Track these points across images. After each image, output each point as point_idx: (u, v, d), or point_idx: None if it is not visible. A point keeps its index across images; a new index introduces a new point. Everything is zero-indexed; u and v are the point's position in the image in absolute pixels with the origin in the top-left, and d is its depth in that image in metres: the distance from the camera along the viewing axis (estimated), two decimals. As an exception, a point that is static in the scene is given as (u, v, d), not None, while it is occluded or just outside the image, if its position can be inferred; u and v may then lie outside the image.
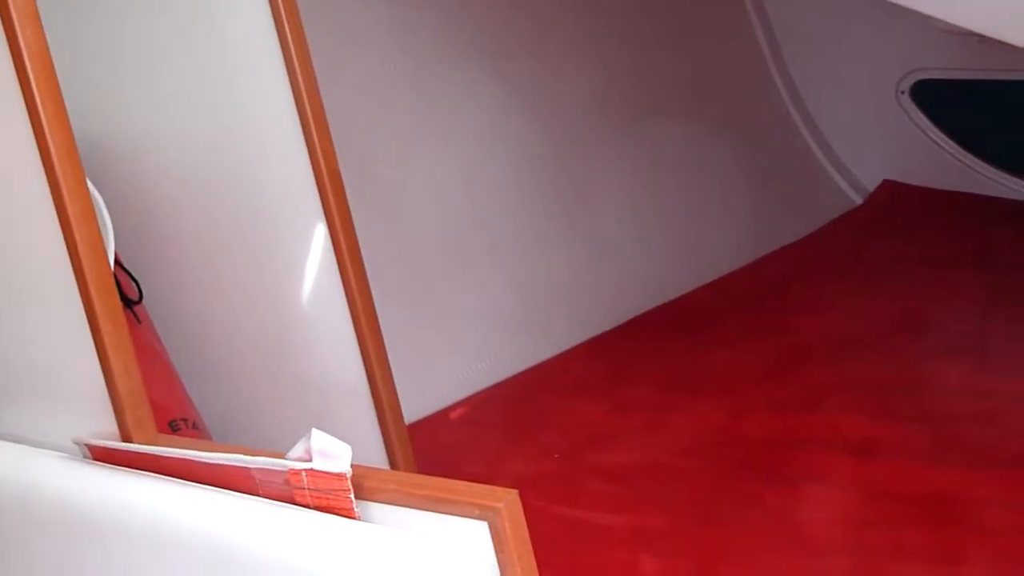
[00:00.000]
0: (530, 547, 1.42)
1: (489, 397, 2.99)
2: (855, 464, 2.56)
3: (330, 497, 1.41)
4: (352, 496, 1.40)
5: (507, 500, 1.40)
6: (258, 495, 1.47)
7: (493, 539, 1.40)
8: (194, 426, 2.13)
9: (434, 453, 2.62)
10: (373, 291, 2.22)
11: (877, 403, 2.85)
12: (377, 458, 2.20)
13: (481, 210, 3.28)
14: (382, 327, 2.23)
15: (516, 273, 3.28)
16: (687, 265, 3.75)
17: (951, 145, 4.61)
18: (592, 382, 3.05)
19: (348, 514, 1.41)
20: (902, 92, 4.61)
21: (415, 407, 2.86)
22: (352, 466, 1.39)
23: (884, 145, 4.69)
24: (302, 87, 2.11)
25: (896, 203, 4.53)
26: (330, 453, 1.38)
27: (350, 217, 2.17)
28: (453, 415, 2.90)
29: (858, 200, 4.62)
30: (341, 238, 2.15)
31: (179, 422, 2.09)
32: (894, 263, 3.94)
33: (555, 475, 2.60)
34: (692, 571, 2.20)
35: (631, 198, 3.73)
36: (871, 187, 4.66)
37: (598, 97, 3.74)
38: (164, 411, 2.05)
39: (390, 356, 2.24)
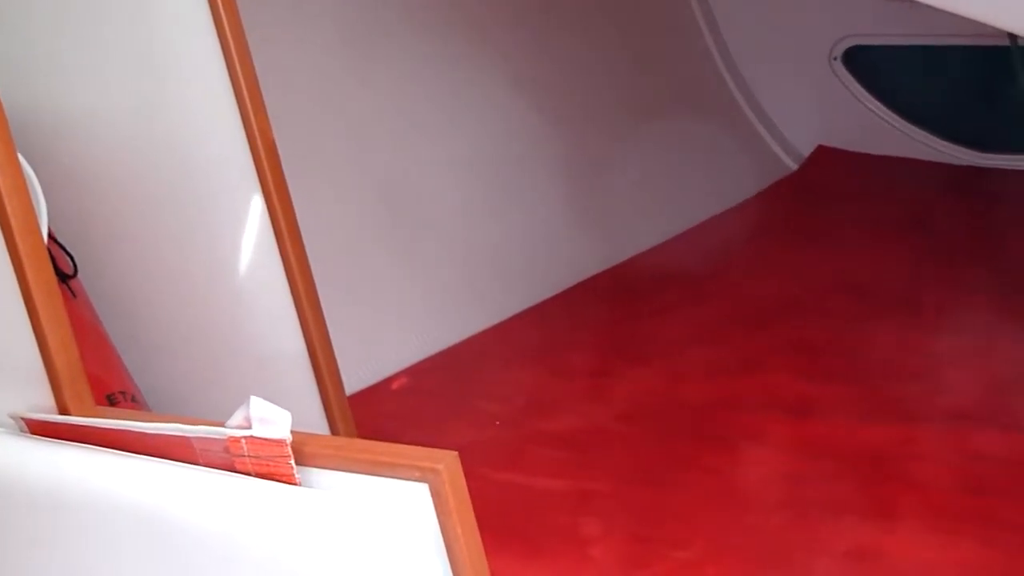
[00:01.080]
0: (471, 508, 1.44)
1: (430, 367, 3.00)
2: (791, 424, 2.60)
3: (270, 464, 1.42)
4: (292, 462, 1.41)
5: (447, 461, 1.41)
6: (198, 464, 1.47)
7: (434, 501, 1.42)
8: (133, 400, 2.13)
9: (376, 423, 2.63)
10: (312, 264, 2.22)
11: (813, 364, 2.90)
12: (319, 427, 2.21)
13: (417, 181, 3.28)
14: (321, 299, 2.24)
15: (454, 243, 3.29)
16: (625, 233, 3.78)
17: (884, 111, 4.67)
18: (532, 350, 3.07)
19: (289, 480, 1.42)
20: (835, 58, 4.65)
21: (356, 378, 2.87)
22: (292, 432, 1.39)
23: (818, 111, 4.74)
24: (236, 61, 2.10)
25: (831, 168, 4.58)
26: (269, 419, 1.38)
27: (287, 190, 2.17)
28: (394, 385, 2.91)
29: (793, 166, 4.66)
30: (278, 210, 2.16)
31: (117, 396, 2.09)
32: (830, 227, 3.99)
33: (497, 442, 2.62)
34: (633, 531, 2.23)
35: (567, 167, 3.74)
36: (806, 153, 4.71)
37: (531, 68, 3.74)
38: (102, 385, 2.04)
39: (330, 328, 2.25)
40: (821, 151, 4.68)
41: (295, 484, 1.42)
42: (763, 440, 2.54)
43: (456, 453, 1.43)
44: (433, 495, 1.42)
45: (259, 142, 2.12)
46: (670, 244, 3.81)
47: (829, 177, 4.52)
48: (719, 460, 2.48)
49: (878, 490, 2.33)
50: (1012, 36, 3.57)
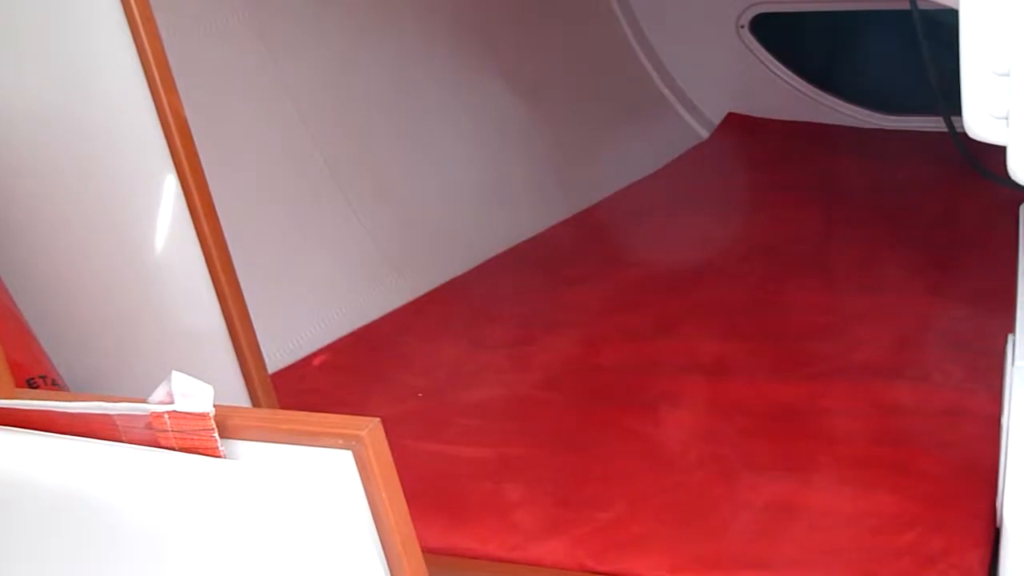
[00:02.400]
0: (395, 473, 1.46)
1: (351, 343, 3.01)
2: (708, 384, 2.65)
3: (194, 437, 1.42)
4: (216, 435, 1.42)
5: (370, 428, 1.43)
6: (122, 441, 1.47)
7: (358, 467, 1.44)
8: (53, 383, 2.12)
9: (299, 399, 2.64)
10: (233, 245, 2.22)
11: (728, 325, 2.95)
12: (241, 403, 2.21)
13: (331, 160, 3.28)
14: (243, 279, 2.24)
15: (370, 220, 3.30)
16: (540, 205, 3.81)
17: (792, 77, 4.74)
18: (451, 323, 3.09)
19: (213, 453, 1.43)
20: (742, 26, 4.71)
21: (278, 357, 2.88)
22: (215, 406, 1.40)
23: (728, 79, 4.80)
24: (145, 41, 2.09)
25: (741, 135, 4.65)
26: (191, 393, 1.39)
27: (201, 169, 2.17)
28: (316, 362, 2.92)
29: (705, 134, 4.72)
30: (193, 189, 2.15)
31: (37, 380, 2.08)
32: (742, 192, 4.05)
33: (420, 414, 2.64)
34: (555, 495, 2.26)
35: (481, 141, 3.76)
36: (717, 121, 4.77)
37: (440, 41, 3.75)
38: (21, 370, 2.03)
39: (251, 308, 2.26)
40: (731, 118, 4.74)
41: (219, 457, 1.43)
42: (681, 401, 2.59)
43: (379, 419, 1.45)
44: (357, 462, 1.44)
45: (171, 122, 2.12)
46: (585, 214, 3.85)
47: (740, 144, 4.58)
48: (639, 422, 2.52)
49: (794, 445, 2.38)
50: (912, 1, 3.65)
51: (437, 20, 3.75)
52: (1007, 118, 1.43)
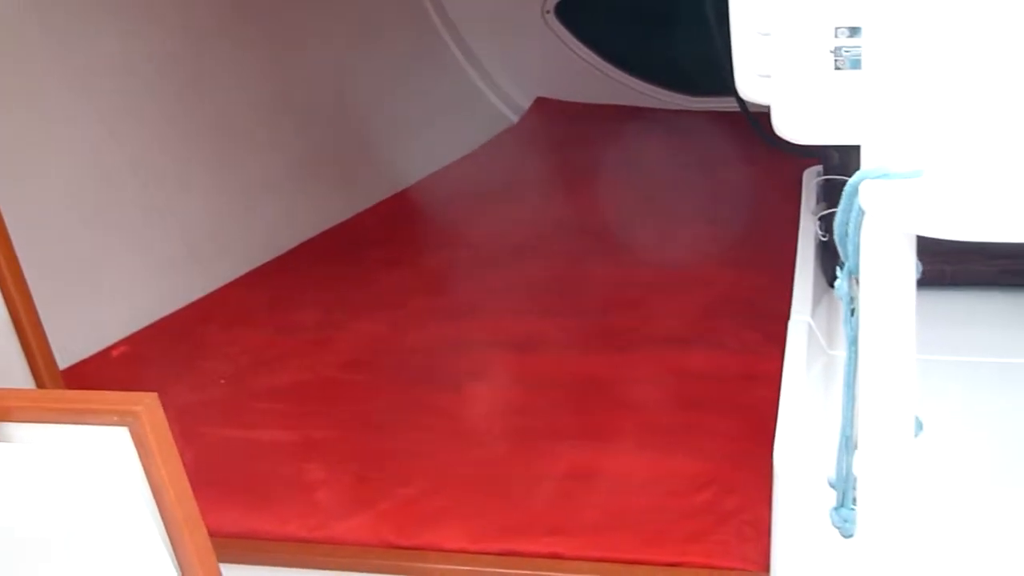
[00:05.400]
0: (175, 448, 1.43)
1: (151, 333, 2.93)
2: (514, 359, 2.66)
3: (-38, 421, 1.38)
4: (-15, 417, 1.37)
5: (146, 403, 1.40)
6: None
7: (135, 443, 1.40)
8: None
9: (98, 388, 2.56)
10: (26, 240, 2.16)
11: (535, 302, 2.97)
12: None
13: (131, 154, 3.19)
14: (36, 275, 2.18)
15: (170, 212, 3.22)
16: (348, 191, 3.78)
17: (598, 61, 4.81)
18: (255, 311, 3.05)
19: (-17, 435, 1.38)
20: (548, 12, 4.76)
21: (76, 349, 2.79)
22: (-15, 388, 1.36)
23: (535, 64, 4.84)
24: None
25: (550, 119, 4.70)
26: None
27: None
28: (115, 353, 2.84)
29: (514, 118, 4.76)
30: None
31: None
32: (551, 174, 4.10)
33: (222, 400, 2.59)
34: (358, 474, 2.24)
35: (285, 129, 3.71)
36: (526, 105, 4.81)
37: (236, 31, 3.68)
38: None
39: (46, 302, 2.19)
40: (540, 103, 4.79)
41: (-9, 439, 1.38)
42: (487, 377, 2.60)
43: (156, 394, 1.42)
44: (134, 438, 1.40)
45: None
46: (393, 200, 3.84)
47: (549, 127, 4.63)
48: (444, 400, 2.52)
49: (596, 414, 2.41)
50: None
51: (228, 9, 3.68)
52: (770, 77, 1.46)
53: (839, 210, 1.08)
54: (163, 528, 1.45)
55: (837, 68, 1.31)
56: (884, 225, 1.03)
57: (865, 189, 1.03)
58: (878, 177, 1.03)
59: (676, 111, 4.62)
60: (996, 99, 1.02)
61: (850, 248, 1.08)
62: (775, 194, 3.45)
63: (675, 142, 4.22)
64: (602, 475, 2.19)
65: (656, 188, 3.77)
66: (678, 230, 3.35)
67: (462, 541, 2.01)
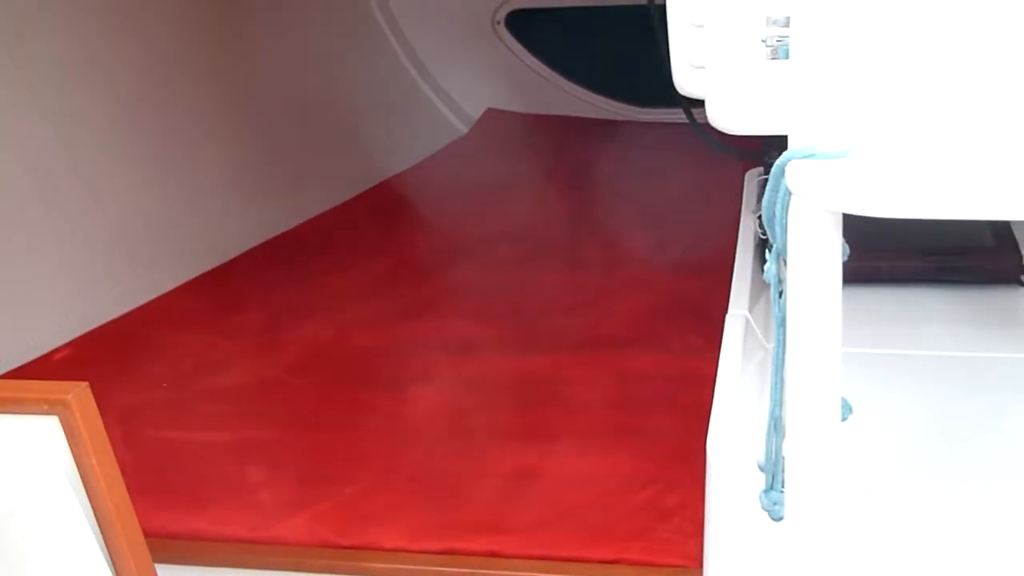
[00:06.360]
0: (106, 438, 1.41)
1: (94, 338, 2.90)
2: (456, 362, 2.66)
3: None
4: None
5: (77, 392, 1.38)
6: None
7: (65, 432, 1.39)
8: None
9: (35, 391, 2.53)
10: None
11: (480, 306, 2.98)
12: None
13: (75, 159, 3.16)
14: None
15: (115, 217, 3.20)
16: (296, 198, 3.77)
17: (548, 72, 4.83)
18: (200, 315, 3.03)
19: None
20: (498, 23, 4.77)
21: (17, 354, 2.76)
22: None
23: (485, 75, 4.86)
24: None
25: (500, 129, 4.71)
26: None
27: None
28: (57, 357, 2.81)
29: (464, 129, 4.76)
30: None
31: None
32: (498, 183, 4.10)
33: (164, 403, 2.57)
34: (298, 474, 2.23)
35: (231, 137, 3.70)
36: (476, 116, 4.81)
37: (188, 40, 3.67)
38: None
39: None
40: (490, 114, 4.80)
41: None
42: (430, 379, 2.59)
43: (87, 384, 1.40)
44: (64, 427, 1.38)
45: None
46: (340, 209, 3.83)
47: (499, 138, 4.64)
48: (388, 401, 2.51)
49: (538, 415, 2.41)
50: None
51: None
52: (704, 68, 1.47)
53: (767, 191, 1.08)
54: (94, 520, 1.43)
55: (772, 58, 1.32)
56: (810, 204, 1.04)
57: (792, 169, 1.04)
58: (805, 157, 1.04)
59: (625, 122, 4.65)
60: (918, 81, 1.03)
61: (778, 229, 1.09)
62: (721, 200, 3.47)
63: (623, 152, 4.25)
64: (544, 475, 2.19)
65: (604, 196, 3.80)
66: (624, 236, 3.36)
67: (402, 540, 2.00)
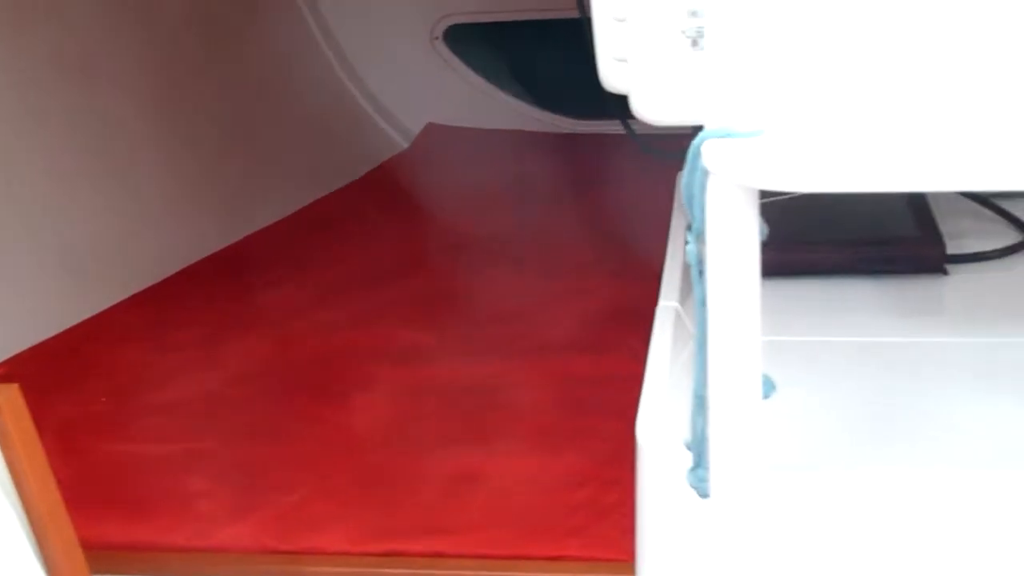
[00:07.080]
0: (38, 441, 1.41)
1: (31, 355, 2.88)
2: (402, 370, 2.67)
3: None
4: None
5: (5, 394, 1.38)
6: None
7: (-5, 437, 1.38)
8: None
9: (-27, 411, 2.51)
10: None
11: (423, 315, 2.98)
12: None
13: (14, 169, 3.15)
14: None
15: (54, 232, 3.18)
16: (233, 217, 3.75)
17: (487, 86, 4.84)
18: (140, 330, 3.01)
19: None
20: (436, 38, 4.78)
21: (-52, 375, 2.74)
22: None
23: (425, 90, 4.86)
24: None
25: (440, 144, 4.71)
26: None
27: None
28: (-7, 375, 2.79)
29: (404, 144, 4.76)
30: None
31: None
32: (440, 197, 4.12)
33: (105, 416, 2.56)
34: (240, 483, 2.23)
35: (167, 153, 3.68)
36: (416, 131, 4.82)
37: (125, 54, 3.66)
38: None
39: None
40: (430, 128, 4.80)
41: None
42: (373, 388, 2.60)
43: (17, 385, 1.40)
44: (-7, 430, 1.38)
45: None
46: (280, 224, 3.82)
47: (439, 152, 4.64)
48: (329, 411, 2.52)
49: (481, 420, 2.42)
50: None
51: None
52: (627, 61, 1.49)
53: (685, 172, 1.10)
54: (28, 526, 1.43)
55: (694, 47, 1.35)
56: (727, 182, 1.06)
57: (708, 148, 1.06)
58: (721, 136, 1.06)
59: (565, 135, 4.67)
60: (827, 59, 1.05)
61: (696, 209, 1.11)
62: (661, 208, 3.51)
63: (563, 163, 4.28)
64: (486, 477, 2.20)
65: (543, 207, 3.82)
66: (565, 244, 3.39)
67: (343, 544, 2.00)
